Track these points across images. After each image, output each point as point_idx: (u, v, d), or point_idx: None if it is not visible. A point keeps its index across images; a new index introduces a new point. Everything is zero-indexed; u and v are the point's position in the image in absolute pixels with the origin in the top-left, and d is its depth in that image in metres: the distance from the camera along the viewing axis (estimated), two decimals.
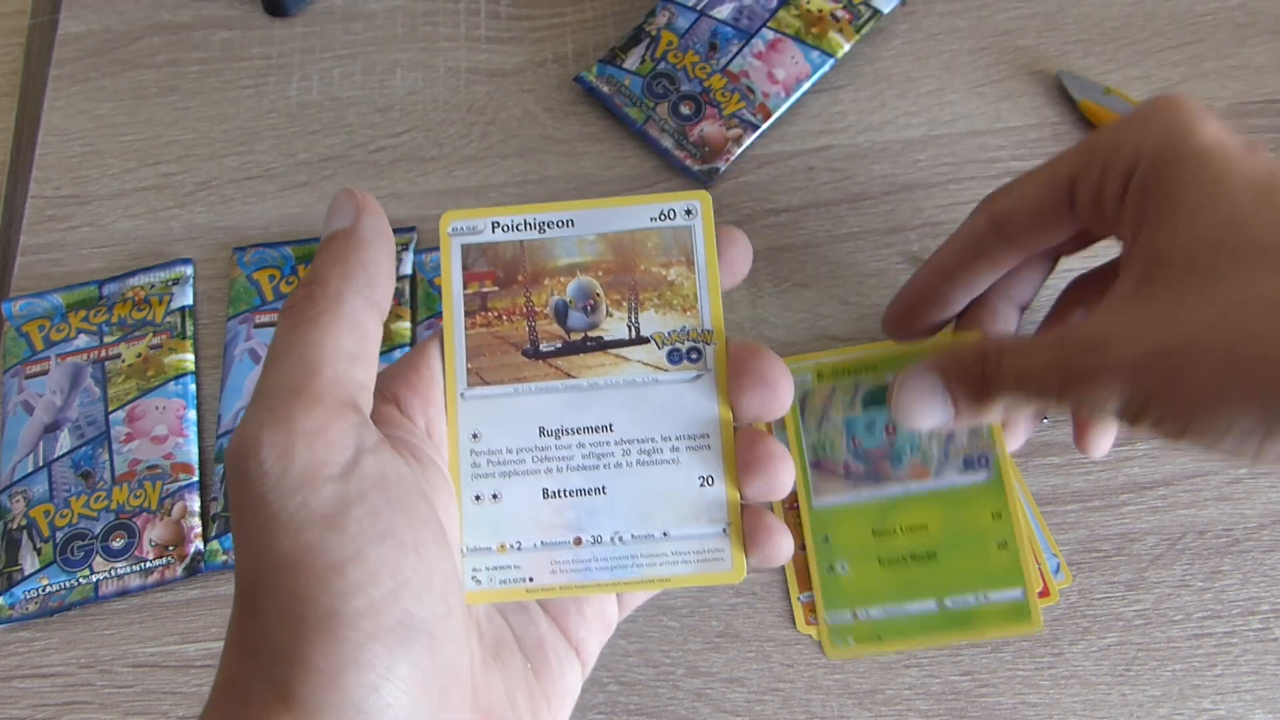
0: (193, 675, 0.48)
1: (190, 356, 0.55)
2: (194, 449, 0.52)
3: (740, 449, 0.30)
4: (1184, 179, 0.30)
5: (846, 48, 0.58)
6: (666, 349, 0.31)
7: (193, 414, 0.53)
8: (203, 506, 0.51)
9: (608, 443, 0.31)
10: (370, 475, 0.25)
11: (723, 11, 0.60)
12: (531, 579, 0.30)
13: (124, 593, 0.50)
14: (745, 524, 0.30)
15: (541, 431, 0.31)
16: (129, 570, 0.50)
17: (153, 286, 0.56)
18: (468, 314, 0.31)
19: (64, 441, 0.52)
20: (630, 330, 0.31)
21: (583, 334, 0.31)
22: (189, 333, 0.55)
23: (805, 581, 0.49)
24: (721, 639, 0.48)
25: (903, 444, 0.48)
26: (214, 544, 0.50)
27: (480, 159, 0.59)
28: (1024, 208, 0.36)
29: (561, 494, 0.30)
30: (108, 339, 0.55)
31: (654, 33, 0.60)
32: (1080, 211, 0.34)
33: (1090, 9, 0.61)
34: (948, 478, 0.47)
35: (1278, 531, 0.48)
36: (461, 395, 0.31)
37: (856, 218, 0.56)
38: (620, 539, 0.30)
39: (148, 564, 0.50)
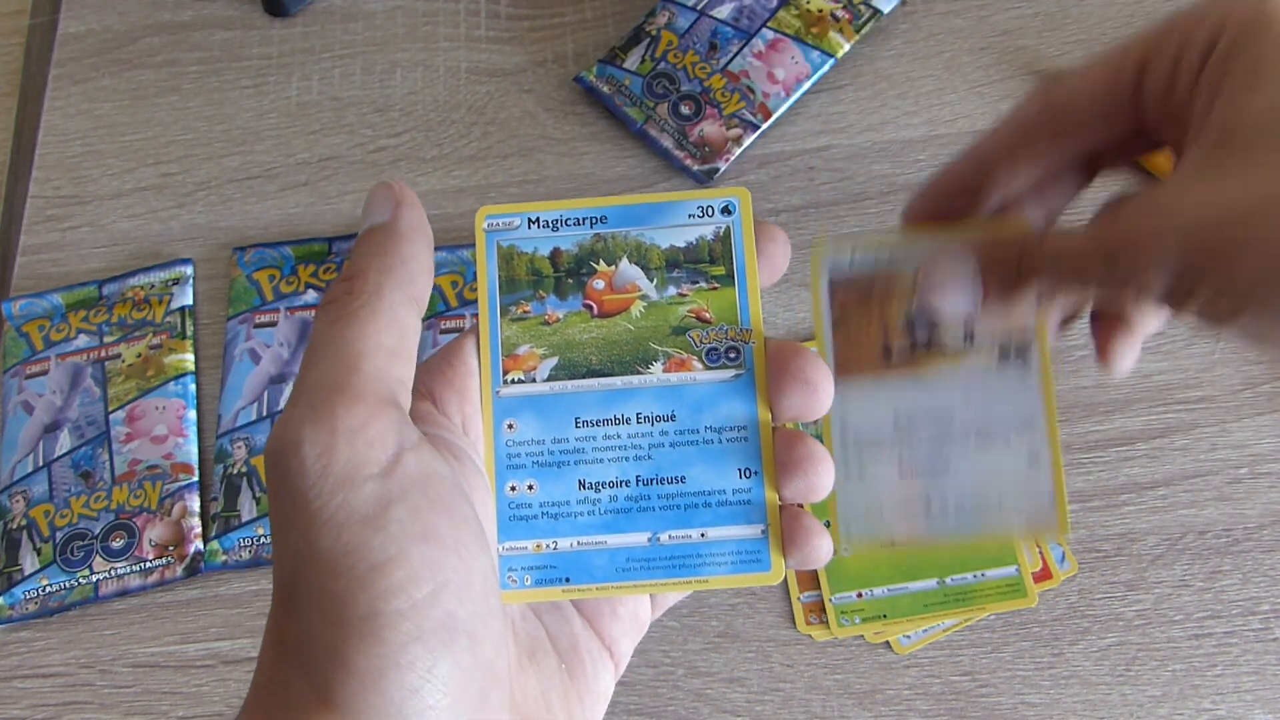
0: (193, 675, 0.48)
1: (190, 356, 0.55)
2: (194, 449, 0.52)
3: (779, 449, 0.30)
4: (1271, 44, 0.27)
5: (846, 48, 0.58)
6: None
7: (193, 414, 0.53)
8: (203, 506, 0.51)
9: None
10: (411, 474, 0.25)
11: (723, 11, 0.60)
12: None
13: (124, 593, 0.50)
14: (784, 525, 0.30)
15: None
16: (129, 570, 0.50)
17: (153, 286, 0.56)
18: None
19: (64, 441, 0.52)
20: None
21: None
22: (189, 333, 0.55)
23: (806, 582, 0.49)
24: (721, 639, 0.48)
25: None
26: (214, 544, 0.50)
27: (480, 159, 0.59)
28: (1086, 93, 0.32)
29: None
30: (108, 339, 0.55)
31: (654, 33, 0.60)
32: (1147, 100, 0.31)
33: (1090, 9, 0.61)
34: None
35: (1278, 531, 0.48)
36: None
37: (856, 218, 0.56)
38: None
39: (148, 564, 0.50)
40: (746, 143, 0.57)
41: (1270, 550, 0.48)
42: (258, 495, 0.51)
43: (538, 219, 0.31)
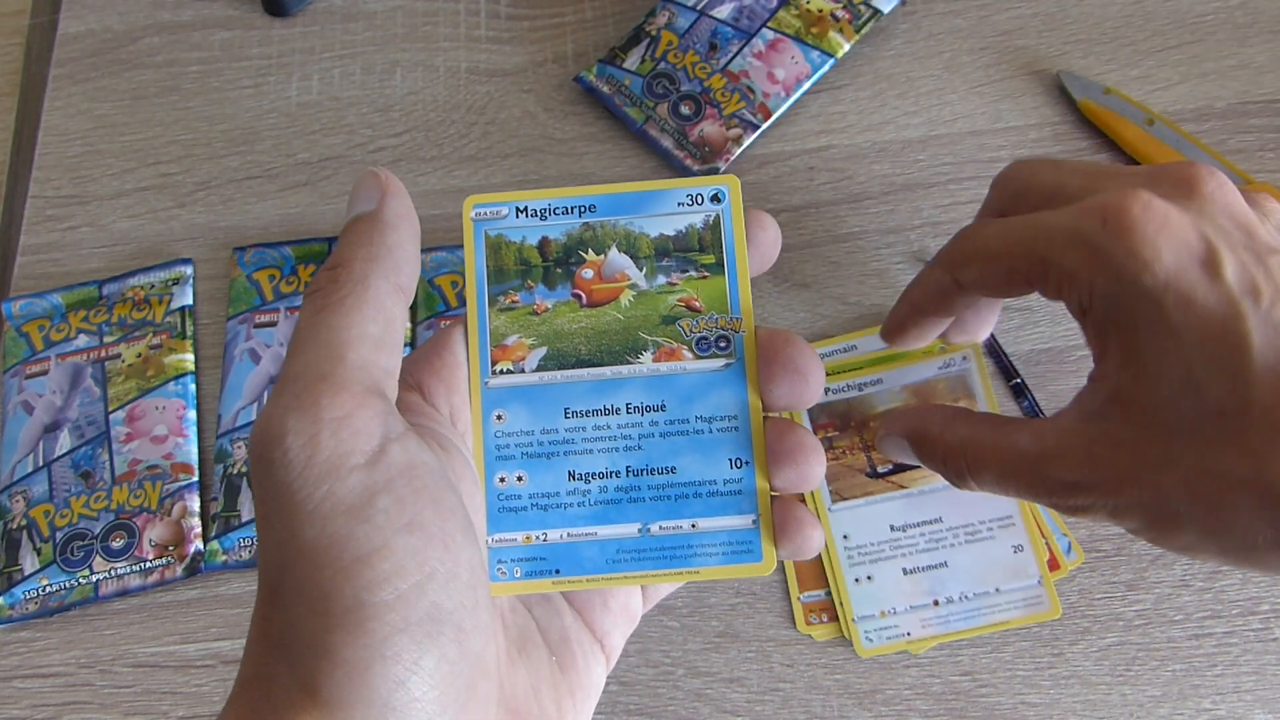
0: (193, 675, 0.48)
1: (190, 356, 0.55)
2: (194, 449, 0.52)
3: (770, 439, 0.30)
4: (1139, 328, 0.30)
5: (846, 48, 0.58)
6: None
7: (193, 414, 0.53)
8: (203, 506, 0.51)
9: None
10: (397, 464, 0.25)
11: (723, 11, 0.60)
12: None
13: (124, 593, 0.50)
14: (775, 515, 0.29)
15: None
16: (129, 570, 0.50)
17: (153, 286, 0.56)
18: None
19: (64, 441, 0.52)
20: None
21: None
22: (189, 333, 0.55)
23: (806, 582, 0.49)
24: (721, 639, 0.48)
25: None
26: (214, 544, 0.50)
27: (480, 159, 0.59)
28: (986, 285, 0.36)
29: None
30: (108, 339, 0.55)
31: (654, 33, 0.60)
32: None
33: (1090, 9, 0.61)
34: None
35: None
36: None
37: (856, 218, 0.56)
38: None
39: (148, 564, 0.50)
40: (746, 143, 0.57)
41: None
42: None
43: (526, 208, 0.31)
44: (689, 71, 0.58)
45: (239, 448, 0.52)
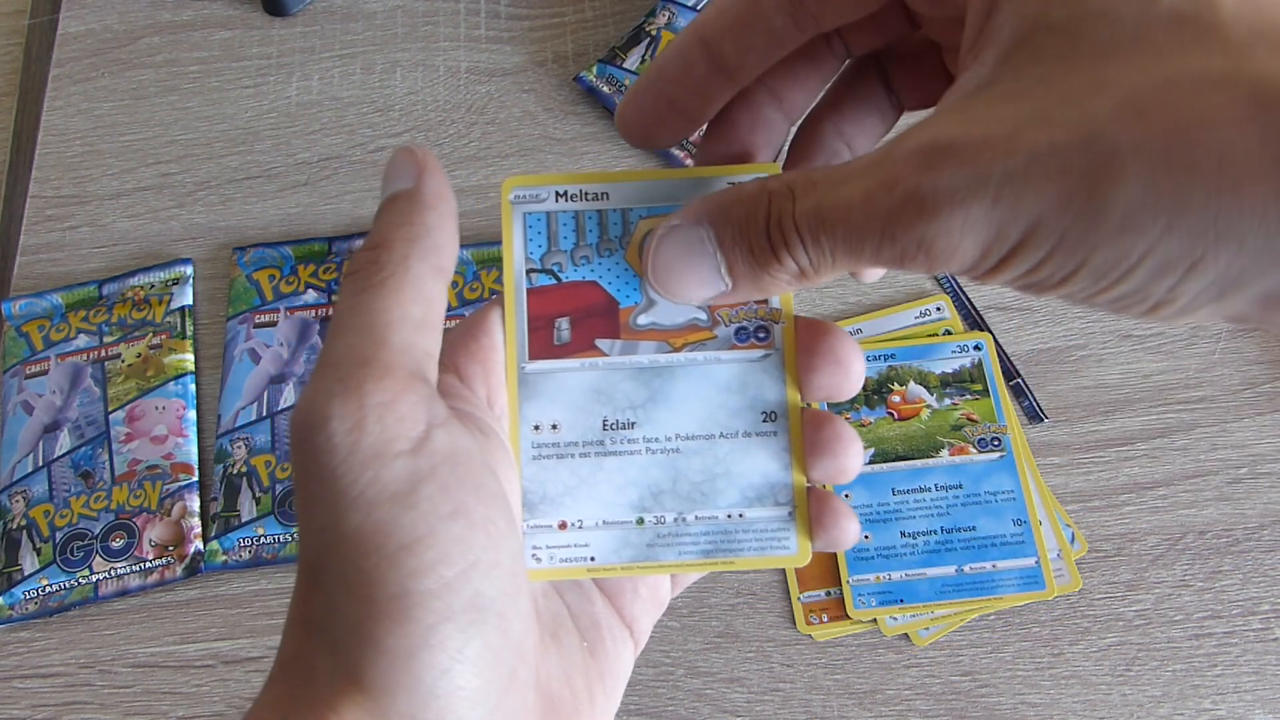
0: (192, 675, 0.48)
1: (190, 356, 0.55)
2: (194, 449, 0.52)
3: (807, 430, 0.29)
4: None
5: None
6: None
7: (192, 414, 0.53)
8: (203, 506, 0.51)
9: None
10: (441, 450, 0.24)
11: None
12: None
13: (124, 593, 0.50)
14: (811, 507, 0.29)
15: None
16: (129, 570, 0.50)
17: (153, 286, 0.56)
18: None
19: (64, 441, 0.52)
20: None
21: None
22: (189, 333, 0.55)
23: (806, 582, 0.49)
24: (721, 639, 0.48)
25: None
26: (214, 544, 0.50)
27: (480, 159, 0.59)
28: None
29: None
30: (108, 339, 0.55)
31: (654, 33, 0.60)
32: None
33: None
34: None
35: (1278, 531, 0.48)
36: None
37: None
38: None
39: (147, 564, 0.50)
40: None
41: (1270, 550, 0.48)
42: (257, 495, 0.51)
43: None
44: None
45: (239, 447, 0.52)
